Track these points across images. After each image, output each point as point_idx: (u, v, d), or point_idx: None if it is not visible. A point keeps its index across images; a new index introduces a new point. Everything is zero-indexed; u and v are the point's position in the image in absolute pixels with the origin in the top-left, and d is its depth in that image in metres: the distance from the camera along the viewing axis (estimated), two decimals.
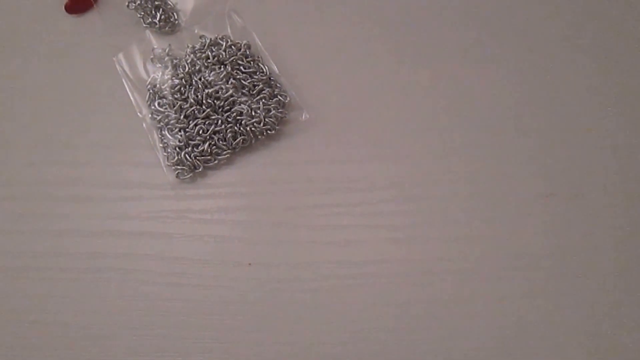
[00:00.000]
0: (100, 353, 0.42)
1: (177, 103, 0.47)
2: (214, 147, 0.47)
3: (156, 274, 0.44)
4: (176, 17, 0.52)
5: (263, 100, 0.47)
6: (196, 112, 0.47)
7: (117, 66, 0.50)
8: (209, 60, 0.48)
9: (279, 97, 0.48)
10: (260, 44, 0.49)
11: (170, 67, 0.49)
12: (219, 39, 0.49)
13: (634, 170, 0.46)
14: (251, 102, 0.47)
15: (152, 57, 0.50)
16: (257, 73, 0.48)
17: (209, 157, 0.47)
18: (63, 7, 0.52)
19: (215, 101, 0.47)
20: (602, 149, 0.46)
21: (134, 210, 0.46)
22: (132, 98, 0.49)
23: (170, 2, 0.52)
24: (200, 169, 0.46)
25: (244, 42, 0.49)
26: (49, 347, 0.42)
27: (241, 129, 0.46)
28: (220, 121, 0.47)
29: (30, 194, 0.47)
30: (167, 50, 0.50)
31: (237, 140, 0.47)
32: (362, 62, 0.50)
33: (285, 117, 0.48)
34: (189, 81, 0.48)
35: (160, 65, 0.49)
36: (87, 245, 0.45)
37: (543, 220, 0.44)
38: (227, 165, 0.47)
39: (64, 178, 0.47)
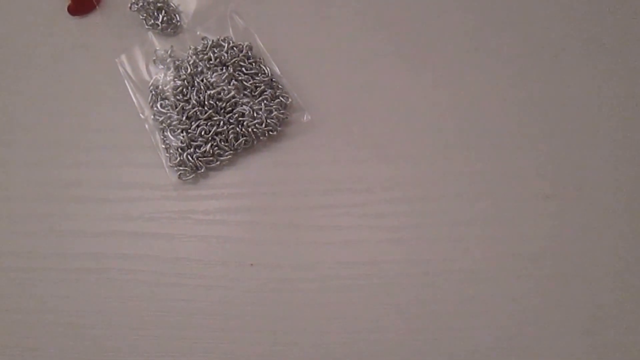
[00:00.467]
0: (102, 353, 0.42)
1: (179, 104, 0.47)
2: (216, 148, 0.47)
3: (158, 275, 0.44)
4: (178, 18, 0.52)
5: (265, 101, 0.47)
6: (198, 113, 0.47)
7: (120, 68, 0.50)
8: (211, 62, 0.48)
9: (280, 98, 0.48)
10: (262, 45, 0.50)
11: (172, 69, 0.49)
12: (221, 40, 0.49)
13: (634, 171, 0.46)
14: (253, 104, 0.47)
15: (154, 58, 0.50)
16: (259, 74, 0.48)
17: (211, 158, 0.47)
18: (66, 9, 0.53)
19: (217, 102, 0.47)
20: (603, 150, 0.47)
21: (137, 211, 0.46)
22: (134, 99, 0.49)
23: (172, 4, 0.52)
24: (202, 170, 0.47)
25: (246, 43, 0.49)
26: (51, 347, 0.42)
27: (243, 130, 0.47)
28: (222, 122, 0.47)
29: (32, 195, 0.47)
30: (169, 52, 0.50)
31: (239, 141, 0.47)
32: (363, 64, 0.50)
33: (287, 118, 0.48)
34: (191, 82, 0.48)
35: (162, 66, 0.50)
36: (90, 245, 0.45)
37: (543, 221, 0.45)
38: (229, 166, 0.47)
39: (66, 179, 0.47)
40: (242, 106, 0.47)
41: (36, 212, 0.46)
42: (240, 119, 0.47)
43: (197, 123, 0.47)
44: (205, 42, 0.49)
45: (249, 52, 0.49)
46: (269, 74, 0.48)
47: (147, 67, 0.50)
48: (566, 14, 0.51)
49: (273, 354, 0.42)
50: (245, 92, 0.48)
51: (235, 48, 0.49)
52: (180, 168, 0.46)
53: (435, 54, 0.50)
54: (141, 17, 0.52)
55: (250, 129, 0.47)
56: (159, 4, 0.51)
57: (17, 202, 0.47)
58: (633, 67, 0.49)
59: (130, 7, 0.51)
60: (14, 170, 0.48)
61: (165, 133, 0.47)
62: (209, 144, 0.47)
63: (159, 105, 0.48)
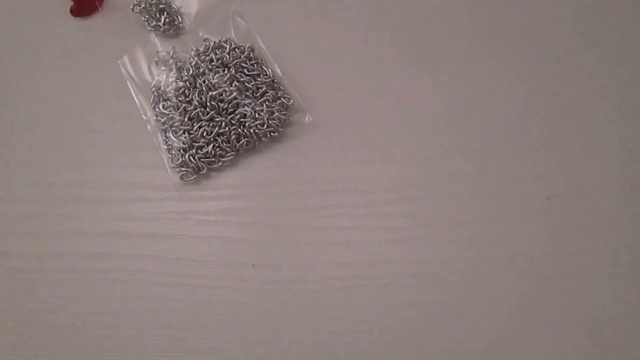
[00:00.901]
0: (104, 353, 0.42)
1: (181, 105, 0.47)
2: (218, 149, 0.47)
3: (160, 275, 0.44)
4: (180, 20, 0.52)
5: (266, 102, 0.48)
6: (200, 114, 0.47)
7: (122, 69, 0.50)
8: (212, 63, 0.48)
9: (282, 99, 0.48)
10: (263, 46, 0.50)
11: (174, 70, 0.49)
12: (223, 42, 0.49)
13: (634, 172, 0.46)
14: (255, 105, 0.48)
15: (156, 59, 0.50)
16: (261, 76, 0.49)
17: (213, 159, 0.47)
18: (68, 11, 0.53)
19: (219, 103, 0.47)
20: (604, 151, 0.47)
21: (139, 212, 0.46)
22: (136, 100, 0.49)
23: (174, 6, 0.52)
24: (204, 171, 0.47)
25: (248, 45, 0.49)
26: (54, 348, 0.43)
27: (245, 131, 0.47)
28: (224, 123, 0.47)
29: (35, 195, 0.47)
30: (171, 53, 0.50)
31: (241, 142, 0.47)
32: (364, 65, 0.50)
33: (288, 119, 0.48)
34: (193, 84, 0.48)
35: (164, 67, 0.50)
36: (92, 245, 0.45)
37: (544, 221, 0.45)
38: (231, 167, 0.48)
39: (69, 179, 0.47)
40: (243, 107, 0.47)
41: (38, 212, 0.46)
42: (242, 120, 0.47)
43: (199, 124, 0.47)
44: (207, 43, 0.49)
45: (251, 53, 0.49)
46: (271, 75, 0.49)
47: (149, 68, 0.50)
48: (567, 16, 0.52)
49: (274, 354, 0.42)
50: (247, 94, 0.48)
51: (237, 49, 0.49)
52: (182, 169, 0.47)
53: (436, 56, 0.50)
54: (143, 18, 0.52)
55: (251, 130, 0.47)
56: (161, 6, 0.51)
57: (19, 202, 0.47)
58: (635, 68, 0.49)
59: (133, 9, 0.52)
60: (17, 171, 0.48)
61: (168, 134, 0.48)
62: (211, 145, 0.47)
63: (161, 107, 0.48)
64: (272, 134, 0.47)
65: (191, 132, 0.47)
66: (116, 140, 0.48)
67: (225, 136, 0.47)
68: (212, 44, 0.49)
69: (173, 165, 0.47)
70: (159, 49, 0.50)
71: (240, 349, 0.42)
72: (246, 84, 0.48)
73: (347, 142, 0.48)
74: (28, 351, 0.43)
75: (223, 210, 0.46)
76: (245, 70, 0.48)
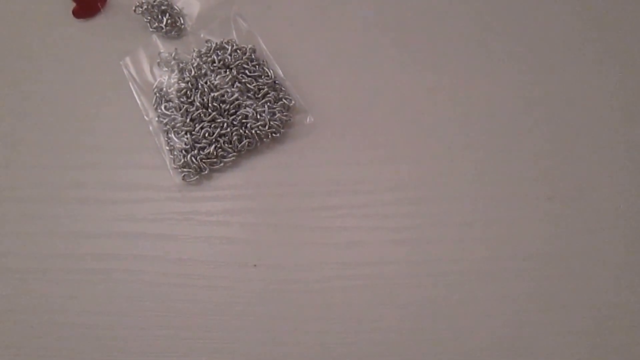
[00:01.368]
0: (106, 353, 0.42)
1: (183, 106, 0.48)
2: (220, 149, 0.47)
3: (162, 275, 0.44)
4: (182, 21, 0.52)
5: (268, 103, 0.48)
6: (202, 115, 0.47)
7: (124, 70, 0.50)
8: (214, 64, 0.49)
9: (283, 100, 0.48)
10: (265, 48, 0.50)
11: (176, 71, 0.49)
12: (225, 43, 0.50)
13: (635, 173, 0.46)
14: (256, 106, 0.48)
15: (158, 61, 0.50)
16: (262, 77, 0.49)
17: (214, 160, 0.47)
18: (71, 12, 0.53)
19: (221, 104, 0.47)
20: (605, 152, 0.47)
21: (141, 212, 0.46)
22: (138, 101, 0.49)
23: (176, 7, 0.52)
24: (206, 172, 0.47)
25: (249, 46, 0.49)
26: (56, 348, 0.43)
27: (246, 132, 0.47)
28: (225, 124, 0.47)
29: (38, 196, 0.47)
30: (173, 55, 0.50)
31: (243, 143, 0.47)
32: (366, 66, 0.50)
33: (290, 120, 0.48)
34: (195, 85, 0.48)
35: (166, 69, 0.50)
36: (94, 246, 0.45)
37: (545, 222, 0.45)
38: (232, 168, 0.48)
39: (72, 180, 0.47)
40: (245, 108, 0.47)
41: (41, 213, 0.47)
42: (243, 121, 0.47)
43: (201, 125, 0.47)
44: (209, 44, 0.50)
45: (252, 54, 0.49)
46: (272, 77, 0.49)
47: (151, 69, 0.50)
48: (568, 18, 0.52)
49: (276, 354, 0.42)
50: (249, 95, 0.48)
51: (238, 51, 0.49)
52: (184, 169, 0.47)
53: (437, 57, 0.51)
54: (145, 20, 0.52)
55: (253, 131, 0.47)
56: (163, 7, 0.52)
57: (22, 203, 0.47)
58: (637, 69, 0.49)
59: (135, 10, 0.52)
60: (20, 172, 0.48)
61: (170, 135, 0.48)
62: (213, 146, 0.47)
63: (163, 107, 0.48)
64: (273, 134, 0.47)
65: (193, 133, 0.47)
66: (118, 141, 0.49)
67: (227, 137, 0.47)
68: (213, 45, 0.50)
69: (175, 166, 0.47)
70: (161, 50, 0.51)
71: (242, 349, 0.42)
72: (248, 85, 0.48)
73: (349, 143, 0.48)
74: (30, 351, 0.43)
75: (225, 211, 0.46)
76: (246, 71, 0.49)
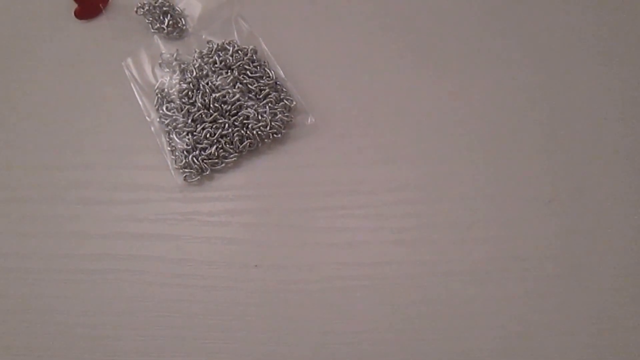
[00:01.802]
0: (107, 353, 0.42)
1: (184, 107, 0.48)
2: (221, 150, 0.47)
3: (163, 276, 0.44)
4: (184, 22, 0.52)
5: (269, 104, 0.48)
6: (204, 116, 0.47)
7: (126, 71, 0.50)
8: (216, 65, 0.49)
9: (285, 101, 0.48)
10: (266, 49, 0.50)
11: (178, 72, 0.49)
12: (226, 44, 0.50)
13: (635, 175, 0.46)
14: (258, 106, 0.48)
15: (160, 61, 0.50)
16: (264, 77, 0.49)
17: (216, 161, 0.47)
18: (73, 13, 0.53)
19: (222, 105, 0.47)
20: (605, 154, 0.47)
21: (142, 213, 0.46)
22: (140, 102, 0.49)
23: (178, 8, 0.53)
24: (207, 172, 0.47)
25: (251, 47, 0.49)
26: (58, 348, 0.43)
27: (248, 132, 0.47)
28: (227, 125, 0.47)
29: (39, 197, 0.47)
30: (175, 55, 0.50)
31: (244, 143, 0.47)
32: (367, 67, 0.51)
33: (291, 121, 0.48)
34: (197, 85, 0.48)
35: (168, 69, 0.50)
36: (96, 246, 0.45)
37: (545, 224, 0.45)
38: (234, 169, 0.48)
39: (73, 181, 0.48)
40: (246, 109, 0.48)
41: (42, 213, 0.47)
42: (245, 121, 0.47)
43: (202, 126, 0.47)
44: (211, 45, 0.50)
45: (254, 55, 0.49)
46: (274, 77, 0.49)
47: (152, 70, 0.50)
48: (569, 20, 0.52)
49: (277, 354, 0.42)
50: (250, 95, 0.48)
51: (240, 51, 0.49)
52: (186, 170, 0.47)
53: (438, 57, 0.51)
54: (147, 21, 0.52)
55: (254, 132, 0.47)
56: (164, 8, 0.52)
57: (24, 203, 0.47)
58: (636, 70, 0.50)
59: (136, 11, 0.52)
60: (21, 172, 0.48)
61: (171, 135, 0.48)
62: (214, 147, 0.47)
63: (164, 108, 0.48)
64: (274, 135, 0.47)
65: (194, 133, 0.47)
66: (120, 141, 0.49)
67: (228, 138, 0.47)
68: (215, 46, 0.50)
69: (176, 167, 0.47)
70: (163, 51, 0.51)
71: (243, 349, 0.42)
72: (249, 85, 0.48)
73: (350, 144, 0.48)
74: (32, 351, 0.43)
75: (226, 211, 0.46)
76: (248, 72, 0.49)
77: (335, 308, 0.43)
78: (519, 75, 0.50)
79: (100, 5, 0.53)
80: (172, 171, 0.47)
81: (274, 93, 0.48)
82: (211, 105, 0.47)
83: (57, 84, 0.51)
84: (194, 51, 0.50)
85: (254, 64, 0.49)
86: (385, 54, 0.51)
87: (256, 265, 0.45)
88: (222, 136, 0.47)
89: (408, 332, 0.42)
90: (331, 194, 0.46)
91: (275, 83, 0.49)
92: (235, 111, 0.47)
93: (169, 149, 0.48)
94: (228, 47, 0.49)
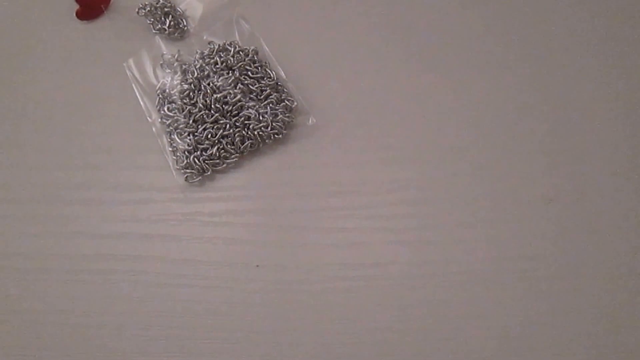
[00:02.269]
0: (109, 353, 0.43)
1: (186, 108, 0.48)
2: (223, 151, 0.47)
3: (165, 276, 0.45)
4: (185, 23, 0.52)
5: (270, 105, 0.48)
6: (205, 116, 0.47)
7: (127, 71, 0.50)
8: (217, 66, 0.49)
9: (286, 101, 0.48)
10: (267, 49, 0.50)
11: (179, 73, 0.49)
12: (227, 44, 0.50)
13: (635, 175, 0.46)
14: (259, 107, 0.48)
15: (161, 62, 0.51)
16: (265, 78, 0.49)
17: (217, 161, 0.47)
18: (74, 14, 0.53)
19: (223, 106, 0.47)
20: (605, 154, 0.47)
21: (144, 213, 0.46)
22: (141, 103, 0.49)
23: (179, 9, 0.53)
24: (208, 173, 0.47)
25: (252, 48, 0.50)
26: (59, 348, 0.43)
27: (249, 133, 0.47)
28: (228, 125, 0.47)
29: (41, 197, 0.47)
30: (176, 56, 0.50)
31: (245, 144, 0.47)
32: (367, 67, 0.51)
33: (292, 121, 0.48)
34: (198, 86, 0.48)
35: (169, 70, 0.50)
36: (98, 247, 0.45)
37: (546, 224, 0.45)
38: (235, 169, 0.48)
39: (75, 181, 0.48)
40: (248, 110, 0.48)
41: (44, 213, 0.47)
42: (246, 122, 0.47)
43: (203, 126, 0.47)
44: (212, 46, 0.50)
45: (255, 56, 0.49)
46: (275, 78, 0.49)
47: (154, 71, 0.50)
48: (569, 21, 0.52)
49: (278, 355, 0.42)
50: (251, 96, 0.48)
51: (241, 52, 0.49)
52: (187, 170, 0.47)
53: (439, 59, 0.51)
54: (148, 21, 0.52)
55: (256, 132, 0.47)
56: (166, 9, 0.52)
57: (25, 204, 0.47)
58: (636, 70, 0.50)
59: (138, 12, 0.52)
60: (23, 173, 0.48)
61: (172, 136, 0.48)
62: (216, 147, 0.47)
63: (166, 109, 0.49)
64: (275, 136, 0.48)
65: (196, 134, 0.47)
66: (121, 142, 0.49)
67: (229, 138, 0.47)
68: (216, 47, 0.50)
69: (178, 167, 0.47)
70: (164, 52, 0.51)
71: (244, 349, 0.42)
72: (250, 86, 0.48)
73: (351, 144, 0.48)
74: (32, 352, 0.43)
75: (227, 212, 0.46)
76: (249, 72, 0.49)
77: (337, 308, 0.43)
78: (519, 76, 0.50)
79: (102, 6, 0.53)
80: (173, 171, 0.47)
81: (275, 94, 0.48)
82: (212, 106, 0.47)
83: (58, 85, 0.51)
84: (195, 52, 0.50)
85: (255, 65, 0.49)
86: (386, 54, 0.51)
87: (257, 266, 0.45)
88: (223, 137, 0.47)
89: (409, 332, 0.42)
90: (332, 195, 0.46)
91: (277, 84, 0.49)
92: (236, 112, 0.48)
93: (170, 149, 0.48)
94: (229, 47, 0.50)
